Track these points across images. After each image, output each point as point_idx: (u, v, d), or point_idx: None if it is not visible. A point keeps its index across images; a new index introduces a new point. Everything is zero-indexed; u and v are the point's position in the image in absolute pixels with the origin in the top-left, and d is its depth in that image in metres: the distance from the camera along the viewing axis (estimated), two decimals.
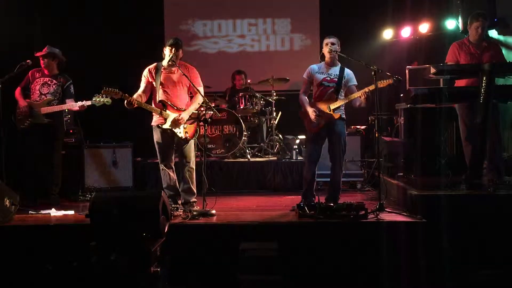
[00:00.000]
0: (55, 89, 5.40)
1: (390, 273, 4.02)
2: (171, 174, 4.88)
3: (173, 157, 4.92)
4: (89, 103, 5.20)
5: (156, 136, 4.82)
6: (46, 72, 5.41)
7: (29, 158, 5.38)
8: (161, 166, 4.88)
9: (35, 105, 5.30)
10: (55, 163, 5.45)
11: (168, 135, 4.76)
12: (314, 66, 4.91)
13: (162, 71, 4.75)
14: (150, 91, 4.82)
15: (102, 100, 5.06)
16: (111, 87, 4.63)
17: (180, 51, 4.76)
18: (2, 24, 6.58)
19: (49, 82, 5.40)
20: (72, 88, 5.49)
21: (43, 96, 5.35)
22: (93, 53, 7.63)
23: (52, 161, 5.43)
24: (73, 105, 5.32)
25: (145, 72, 4.83)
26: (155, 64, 4.83)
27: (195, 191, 4.89)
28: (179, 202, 4.89)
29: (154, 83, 4.76)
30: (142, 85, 4.82)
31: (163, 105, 4.71)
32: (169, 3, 8.43)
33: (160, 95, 4.72)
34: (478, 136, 4.56)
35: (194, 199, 4.88)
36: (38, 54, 5.38)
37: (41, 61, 5.39)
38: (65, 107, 5.37)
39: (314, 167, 4.89)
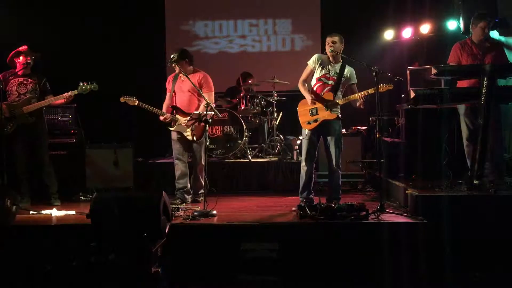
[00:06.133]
0: (32, 88, 5.34)
1: (391, 274, 4.02)
2: (183, 169, 5.33)
3: (187, 154, 5.38)
4: (75, 92, 5.24)
5: (173, 135, 5.35)
6: (19, 72, 5.30)
7: (20, 162, 5.32)
8: (175, 161, 5.34)
9: (16, 106, 5.21)
10: (45, 162, 5.42)
11: (183, 135, 5.25)
12: (321, 56, 4.90)
13: (177, 79, 5.30)
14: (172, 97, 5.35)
15: (88, 87, 5.23)
16: (128, 96, 5.19)
17: (184, 62, 5.19)
18: (2, 24, 6.59)
19: (24, 82, 5.31)
20: (48, 84, 5.47)
21: (22, 96, 5.27)
22: (93, 53, 7.64)
23: (42, 160, 5.39)
24: (59, 97, 5.28)
25: (167, 82, 5.42)
26: (174, 73, 5.34)
27: (202, 183, 5.29)
28: (189, 198, 5.33)
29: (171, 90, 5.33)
30: (167, 93, 5.39)
31: (174, 110, 5.25)
32: (170, 3, 8.44)
33: (172, 101, 5.32)
34: (479, 137, 4.55)
35: (201, 191, 5.32)
36: (22, 49, 5.26)
37: (22, 59, 5.26)
38: (49, 102, 5.31)
39: (311, 166, 4.89)
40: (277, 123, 7.03)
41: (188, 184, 5.39)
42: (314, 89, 4.86)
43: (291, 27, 8.45)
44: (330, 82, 4.81)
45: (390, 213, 4.49)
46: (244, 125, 6.64)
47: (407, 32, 7.54)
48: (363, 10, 7.83)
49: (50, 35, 7.14)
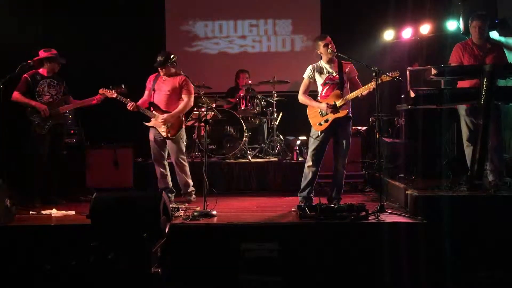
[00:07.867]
0: (60, 89, 5.47)
1: (391, 274, 4.02)
2: (161, 169, 5.42)
3: (165, 155, 5.45)
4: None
5: (150, 136, 5.42)
6: (45, 74, 5.39)
7: (45, 160, 5.34)
8: (154, 163, 5.44)
9: (53, 106, 5.34)
10: (62, 161, 5.53)
11: (160, 135, 5.31)
12: (314, 66, 4.93)
13: (158, 79, 5.39)
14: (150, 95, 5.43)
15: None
16: (107, 88, 5.19)
17: (168, 66, 5.28)
18: (2, 24, 6.58)
19: (52, 84, 5.42)
20: (67, 86, 5.61)
21: (55, 97, 5.40)
22: (93, 53, 7.63)
23: (60, 160, 5.50)
24: (91, 99, 5.43)
25: (148, 80, 5.49)
26: (155, 73, 5.43)
27: (190, 182, 5.45)
28: (172, 196, 5.38)
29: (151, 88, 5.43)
30: (146, 91, 5.48)
31: (152, 107, 5.35)
32: (170, 4, 8.44)
33: (152, 99, 5.40)
34: (479, 137, 4.56)
35: (192, 188, 5.44)
36: (50, 54, 5.31)
37: (54, 65, 5.37)
38: (83, 103, 5.48)
39: (318, 166, 4.90)
40: (277, 123, 7.03)
41: (170, 183, 5.48)
42: (323, 94, 4.88)
43: (291, 28, 8.46)
44: (335, 81, 4.82)
45: (390, 213, 4.48)
46: (244, 125, 6.64)
47: (407, 33, 7.54)
48: (363, 10, 7.83)
49: (49, 35, 7.13)
